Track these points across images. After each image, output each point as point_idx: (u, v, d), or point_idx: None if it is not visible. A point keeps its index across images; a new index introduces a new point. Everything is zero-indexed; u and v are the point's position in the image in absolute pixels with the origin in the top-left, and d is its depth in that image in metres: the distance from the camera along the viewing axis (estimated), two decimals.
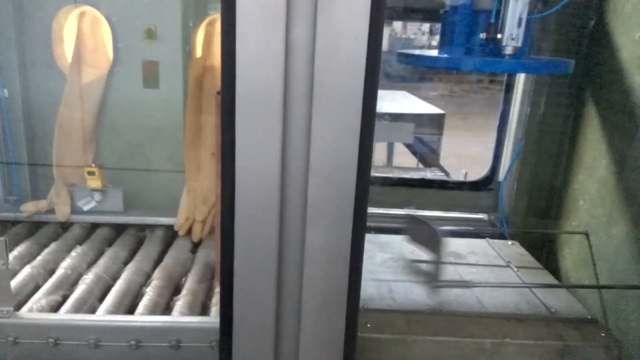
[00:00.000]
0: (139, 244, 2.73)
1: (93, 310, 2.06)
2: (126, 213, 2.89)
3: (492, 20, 1.91)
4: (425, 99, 5.63)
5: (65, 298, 2.12)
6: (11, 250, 2.58)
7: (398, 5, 2.91)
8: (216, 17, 2.91)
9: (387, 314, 2.02)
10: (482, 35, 1.93)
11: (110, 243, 2.71)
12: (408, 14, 2.96)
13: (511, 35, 1.89)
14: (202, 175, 2.92)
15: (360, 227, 1.52)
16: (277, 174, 1.50)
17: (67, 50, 2.88)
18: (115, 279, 2.32)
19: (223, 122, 1.46)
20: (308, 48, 1.41)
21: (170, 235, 2.82)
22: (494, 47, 1.96)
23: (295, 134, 1.48)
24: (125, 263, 2.48)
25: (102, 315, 1.95)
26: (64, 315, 1.94)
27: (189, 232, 2.81)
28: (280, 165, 1.49)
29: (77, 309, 2.04)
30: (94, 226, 2.85)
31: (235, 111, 1.44)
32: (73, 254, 2.48)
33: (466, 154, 7.37)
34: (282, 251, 1.58)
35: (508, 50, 1.91)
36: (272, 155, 1.48)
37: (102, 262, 2.45)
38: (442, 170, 4.21)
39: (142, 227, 2.86)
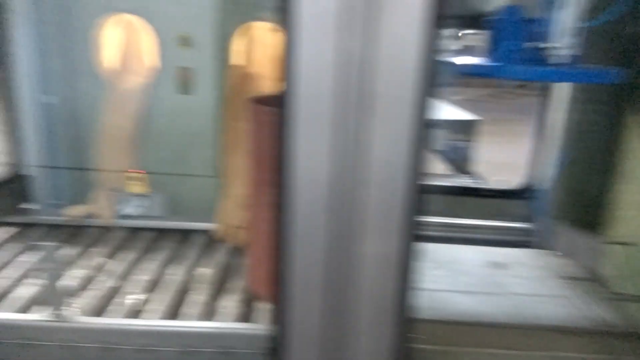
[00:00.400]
0: (180, 248, 2.77)
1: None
2: (167, 218, 2.94)
3: (541, 29, 1.90)
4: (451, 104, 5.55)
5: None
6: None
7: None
8: (254, 24, 2.95)
9: (431, 324, 2.01)
10: (531, 44, 1.92)
11: (152, 247, 2.76)
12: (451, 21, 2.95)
13: (561, 44, 1.87)
14: (240, 181, 2.95)
15: (413, 236, 1.52)
16: (330, 184, 1.51)
17: (109, 57, 2.95)
18: (161, 283, 2.37)
19: (280, 131, 1.48)
20: (362, 57, 1.42)
21: (210, 240, 2.85)
22: (541, 56, 1.94)
23: (349, 144, 1.49)
24: (168, 267, 2.53)
25: (153, 320, 1.99)
26: (114, 319, 1.98)
27: (229, 237, 2.85)
28: (334, 174, 1.50)
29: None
30: (135, 230, 2.90)
31: (291, 121, 1.46)
32: (121, 258, 2.54)
33: (496, 160, 7.26)
34: (334, 260, 1.59)
35: (557, 59, 1.89)
36: (325, 165, 1.49)
37: (147, 266, 2.49)
38: (476, 177, 4.17)
39: (183, 232, 2.90)
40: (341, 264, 1.59)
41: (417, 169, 1.47)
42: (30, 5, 2.83)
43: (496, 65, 1.95)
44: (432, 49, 1.41)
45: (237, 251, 2.77)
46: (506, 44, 1.94)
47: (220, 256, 2.67)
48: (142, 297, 2.20)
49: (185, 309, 2.15)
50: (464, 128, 4.89)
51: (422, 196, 1.50)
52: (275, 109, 2.11)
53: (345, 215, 1.55)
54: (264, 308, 2.15)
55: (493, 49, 1.98)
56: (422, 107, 1.45)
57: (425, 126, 1.45)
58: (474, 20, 2.35)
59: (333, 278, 1.60)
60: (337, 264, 1.59)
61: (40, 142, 2.99)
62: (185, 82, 3.03)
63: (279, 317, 1.63)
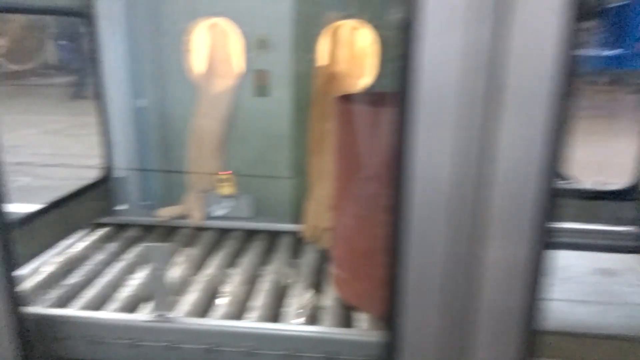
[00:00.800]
0: (269, 249, 2.76)
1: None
2: (255, 219, 2.94)
3: None
4: None
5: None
6: None
7: None
8: (341, 24, 2.90)
9: (548, 335, 1.87)
10: None
11: (242, 248, 2.77)
12: None
13: None
14: (327, 183, 2.92)
15: (544, 242, 1.40)
16: (453, 184, 1.43)
17: (198, 61, 2.99)
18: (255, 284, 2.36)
19: (399, 129, 1.41)
20: (492, 50, 1.32)
21: (298, 241, 2.83)
22: None
23: (475, 141, 1.40)
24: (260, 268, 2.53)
25: (259, 322, 1.98)
26: (221, 321, 1.98)
27: (315, 239, 2.81)
28: (458, 174, 1.41)
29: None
30: (224, 231, 2.92)
31: (412, 118, 1.38)
32: (214, 257, 2.56)
33: (587, 159, 6.81)
34: (455, 267, 1.50)
35: None
36: (449, 164, 1.41)
37: (240, 266, 2.50)
38: (570, 178, 3.91)
39: (271, 233, 2.89)
40: (462, 270, 1.50)
41: (551, 169, 1.36)
42: (121, 11, 2.91)
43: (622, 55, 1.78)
44: (571, 39, 1.30)
45: (325, 253, 2.73)
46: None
47: (309, 258, 2.63)
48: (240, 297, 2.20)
49: (283, 310, 2.14)
50: None
51: (555, 199, 1.38)
52: (360, 107, 2.07)
53: (468, 218, 1.46)
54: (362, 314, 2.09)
55: (620, 39, 1.82)
56: (559, 102, 1.33)
57: (562, 123, 1.34)
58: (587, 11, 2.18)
59: (452, 285, 1.51)
60: (458, 269, 1.49)
61: (132, 145, 3.08)
62: (262, 85, 3.03)
63: (392, 325, 1.56)
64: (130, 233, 2.88)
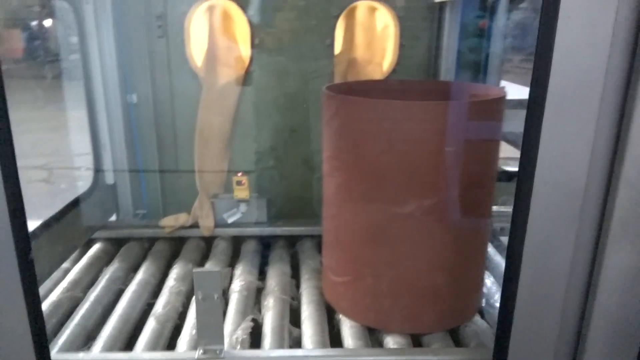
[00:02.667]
0: (292, 256, 2.50)
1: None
2: (271, 224, 2.66)
3: None
4: None
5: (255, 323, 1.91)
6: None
7: None
8: (356, 5, 2.65)
9: None
10: None
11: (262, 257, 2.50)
12: None
13: None
14: None
15: None
16: (582, 184, 1.24)
17: (199, 50, 2.65)
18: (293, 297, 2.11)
19: (528, 120, 1.21)
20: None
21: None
22: None
23: (611, 136, 1.21)
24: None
25: (322, 349, 1.73)
26: (281, 351, 1.71)
27: None
28: (588, 173, 1.23)
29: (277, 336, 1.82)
30: (240, 239, 2.63)
31: (545, 108, 1.18)
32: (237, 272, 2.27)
33: None
34: (574, 273, 1.33)
35: None
36: (580, 161, 1.22)
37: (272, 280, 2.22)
38: None
39: (290, 239, 2.63)
40: (581, 274, 1.33)
41: None
42: None
43: None
44: None
45: None
46: None
47: None
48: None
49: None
50: None
51: None
52: (349, 97, 1.87)
53: (592, 221, 1.29)
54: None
55: None
56: None
57: None
58: None
59: (571, 290, 1.34)
60: (577, 274, 1.32)
61: (129, 148, 2.71)
62: None
63: (503, 338, 1.38)
64: (131, 248, 2.52)
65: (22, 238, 1.28)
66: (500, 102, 1.87)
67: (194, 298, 2.06)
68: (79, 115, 2.75)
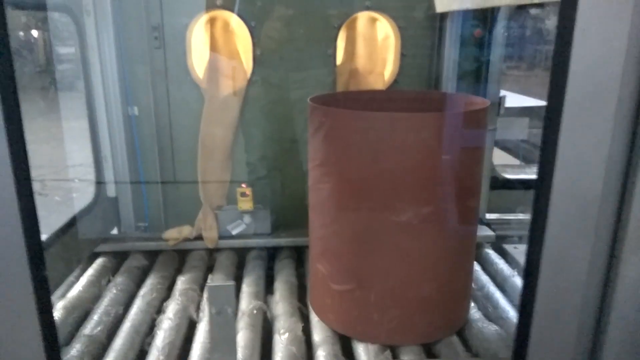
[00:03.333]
0: (297, 267, 2.49)
1: None
2: (275, 235, 2.65)
3: None
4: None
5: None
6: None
7: None
8: (357, 16, 2.66)
9: None
10: None
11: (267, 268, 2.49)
12: None
13: None
14: None
15: None
16: (598, 193, 1.25)
17: (200, 61, 2.64)
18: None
19: (545, 131, 1.22)
20: None
21: None
22: None
23: (626, 147, 1.23)
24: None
25: None
26: None
27: None
28: (604, 183, 1.25)
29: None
30: (245, 250, 2.62)
31: (561, 120, 1.19)
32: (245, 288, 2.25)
33: None
34: (590, 283, 1.34)
35: None
36: (596, 171, 1.23)
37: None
38: None
39: (295, 249, 2.62)
40: (597, 285, 1.34)
41: None
42: (109, 5, 2.49)
43: None
44: None
45: None
46: None
47: None
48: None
49: None
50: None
51: None
52: (332, 109, 1.90)
53: (609, 231, 1.30)
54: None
55: None
56: None
57: None
58: None
59: (587, 301, 1.35)
60: (593, 285, 1.34)
61: (130, 160, 2.69)
62: None
63: (521, 348, 1.38)
64: (134, 262, 2.50)
65: (35, 253, 1.26)
66: (483, 112, 1.89)
67: (202, 312, 2.07)
68: (72, 126, 2.73)
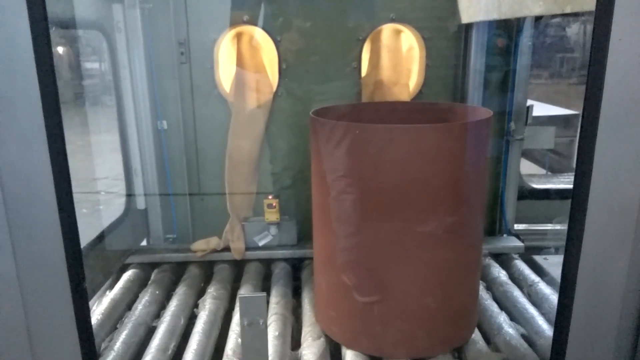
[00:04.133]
0: None
1: None
2: (300, 246, 2.66)
3: None
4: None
5: None
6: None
7: None
8: (381, 28, 2.68)
9: None
10: None
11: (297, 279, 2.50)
12: None
13: None
14: None
15: None
16: (636, 202, 1.24)
17: (227, 75, 2.69)
18: None
19: (582, 140, 1.21)
20: None
21: None
22: None
23: None
24: None
25: None
26: None
27: None
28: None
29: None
30: (272, 261, 2.63)
31: (598, 128, 1.18)
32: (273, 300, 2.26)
33: None
34: (628, 292, 1.31)
35: None
36: (634, 179, 1.22)
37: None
38: None
39: None
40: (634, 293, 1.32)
41: None
42: (138, 22, 2.56)
43: None
44: None
45: None
46: None
47: None
48: None
49: None
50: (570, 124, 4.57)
51: None
52: (337, 122, 1.90)
53: None
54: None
55: None
56: None
57: None
58: None
59: (630, 315, 1.32)
60: (637, 297, 1.31)
61: (160, 173, 2.74)
62: None
63: (559, 356, 1.36)
64: (164, 273, 2.53)
65: (75, 265, 1.29)
66: (486, 124, 1.88)
67: (233, 322, 2.09)
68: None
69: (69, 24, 2.24)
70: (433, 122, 1.97)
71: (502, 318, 2.09)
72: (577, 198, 1.25)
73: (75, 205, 1.27)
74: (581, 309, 1.33)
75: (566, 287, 1.33)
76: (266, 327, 1.57)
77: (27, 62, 1.10)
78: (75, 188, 1.24)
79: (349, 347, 1.93)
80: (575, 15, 2.99)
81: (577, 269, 1.28)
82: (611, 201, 1.24)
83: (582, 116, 1.20)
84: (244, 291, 2.37)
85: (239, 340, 1.89)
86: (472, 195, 1.89)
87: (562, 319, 1.35)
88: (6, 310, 1.26)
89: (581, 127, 1.20)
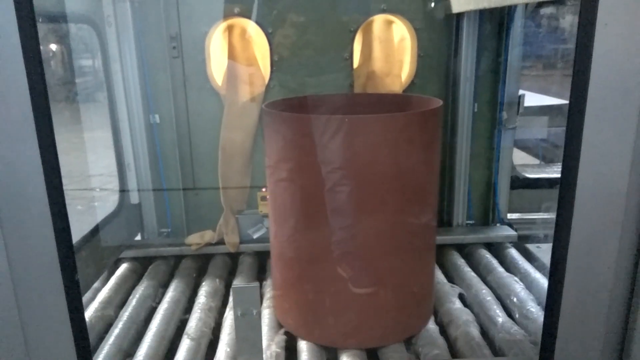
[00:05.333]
0: None
1: None
2: None
3: None
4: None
5: None
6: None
7: None
8: (373, 19, 2.68)
9: None
10: None
11: None
12: None
13: None
14: None
15: None
16: (624, 189, 1.24)
17: (219, 68, 2.68)
18: None
19: (569, 128, 1.22)
20: None
21: None
22: None
23: None
24: None
25: None
26: None
27: None
28: (629, 178, 1.24)
29: None
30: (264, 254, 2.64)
31: (585, 115, 1.19)
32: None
33: None
34: (617, 279, 1.33)
35: None
36: (621, 167, 1.22)
37: None
38: None
39: None
40: (623, 285, 1.33)
41: None
42: (129, 16, 2.54)
43: None
44: None
45: None
46: None
47: None
48: None
49: None
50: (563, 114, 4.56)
51: None
52: (289, 114, 1.93)
53: (634, 227, 1.29)
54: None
55: None
56: None
57: None
58: None
59: (619, 301, 1.34)
60: (625, 284, 1.32)
61: (153, 167, 2.73)
62: None
63: (548, 346, 1.38)
64: (159, 266, 2.54)
65: (67, 258, 1.29)
66: (435, 114, 1.89)
67: (226, 314, 2.09)
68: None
69: (58, 18, 2.22)
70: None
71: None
72: (565, 185, 1.25)
73: (70, 201, 1.27)
74: (571, 297, 1.34)
75: (556, 274, 1.34)
76: (260, 317, 1.58)
77: (15, 56, 1.09)
78: (70, 185, 1.24)
79: (302, 338, 1.95)
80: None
81: (566, 255, 1.29)
82: (599, 188, 1.24)
83: (570, 102, 1.20)
84: (238, 283, 2.37)
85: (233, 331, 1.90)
86: (421, 185, 1.90)
87: (552, 306, 1.37)
88: None
89: (569, 113, 1.21)
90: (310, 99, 2.36)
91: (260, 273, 2.54)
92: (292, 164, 1.86)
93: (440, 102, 1.94)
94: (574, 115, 1.20)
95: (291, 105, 2.12)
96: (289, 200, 1.90)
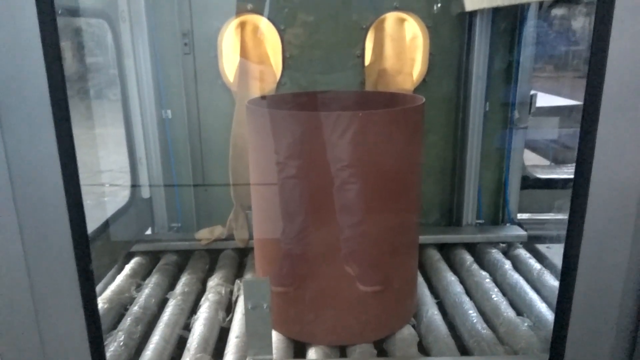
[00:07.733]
0: None
1: None
2: None
3: None
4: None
5: None
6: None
7: None
8: (385, 16, 2.68)
9: None
10: None
11: None
12: None
13: None
14: None
15: None
16: (637, 191, 1.24)
17: (231, 65, 2.69)
18: None
19: (583, 126, 1.21)
20: None
21: None
22: None
23: None
24: None
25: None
26: None
27: None
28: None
29: None
30: None
31: (599, 115, 1.18)
32: None
33: None
34: (629, 278, 1.32)
35: None
36: (636, 164, 1.22)
37: None
38: None
39: None
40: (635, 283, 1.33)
41: None
42: (142, 12, 2.56)
43: None
44: None
45: None
46: None
47: None
48: None
49: None
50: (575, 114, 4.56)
51: None
52: (274, 111, 1.92)
53: None
54: None
55: None
56: None
57: None
58: None
59: (625, 300, 1.33)
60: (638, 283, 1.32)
61: (164, 162, 2.75)
62: None
63: (559, 343, 1.37)
64: (169, 260, 2.56)
65: (82, 248, 1.31)
66: (417, 111, 1.89)
67: (236, 308, 2.11)
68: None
69: (75, 12, 2.25)
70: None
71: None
72: (578, 185, 1.25)
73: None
74: (582, 296, 1.33)
75: (567, 274, 1.33)
76: (270, 310, 1.59)
77: (35, 47, 1.11)
78: (82, 180, 1.26)
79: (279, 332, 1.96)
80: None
81: (578, 257, 1.29)
82: (612, 188, 1.24)
83: (584, 103, 1.20)
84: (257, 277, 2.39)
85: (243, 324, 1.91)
86: (403, 181, 1.90)
87: (563, 305, 1.36)
88: (14, 293, 1.28)
89: (583, 112, 1.20)
90: (296, 95, 2.41)
91: None
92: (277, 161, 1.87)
93: (422, 99, 1.96)
94: (588, 114, 1.19)
95: (275, 101, 2.14)
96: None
